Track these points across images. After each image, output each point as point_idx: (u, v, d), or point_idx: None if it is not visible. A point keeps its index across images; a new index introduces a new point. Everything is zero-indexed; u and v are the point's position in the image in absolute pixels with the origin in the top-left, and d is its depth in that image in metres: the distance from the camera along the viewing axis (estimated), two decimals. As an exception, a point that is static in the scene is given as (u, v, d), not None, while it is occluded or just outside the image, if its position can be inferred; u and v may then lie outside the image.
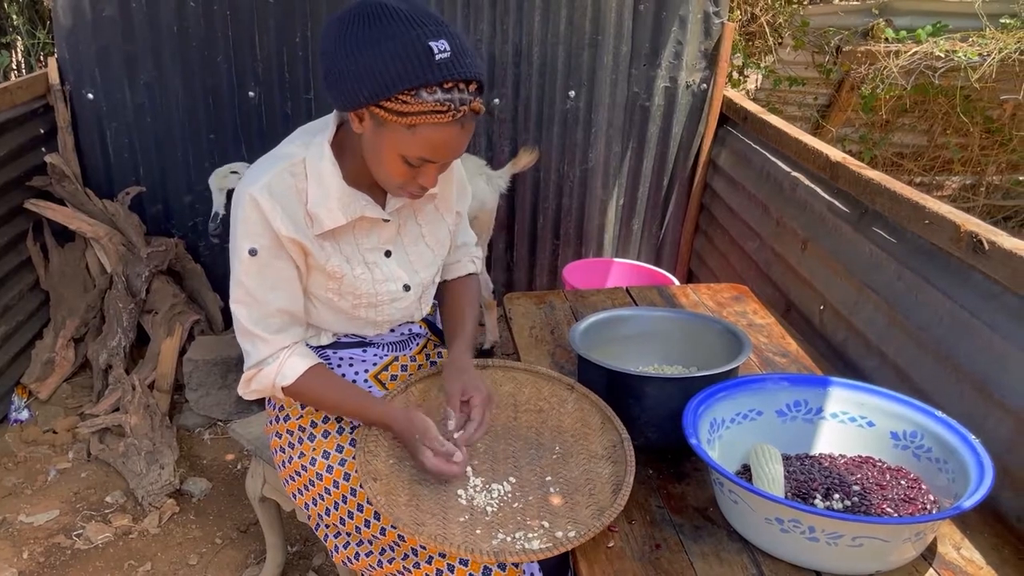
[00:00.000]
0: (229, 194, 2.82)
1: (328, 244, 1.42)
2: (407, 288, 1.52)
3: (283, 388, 1.46)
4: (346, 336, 1.60)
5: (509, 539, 1.28)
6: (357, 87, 1.23)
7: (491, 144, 3.34)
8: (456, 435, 1.41)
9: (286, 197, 1.37)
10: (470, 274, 1.74)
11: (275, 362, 1.45)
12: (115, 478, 2.65)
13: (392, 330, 1.63)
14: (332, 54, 1.25)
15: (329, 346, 1.59)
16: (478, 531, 1.30)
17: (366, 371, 1.61)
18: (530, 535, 1.29)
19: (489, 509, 1.36)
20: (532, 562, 1.31)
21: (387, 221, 1.47)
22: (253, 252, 1.37)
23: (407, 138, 1.25)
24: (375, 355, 1.62)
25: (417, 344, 1.68)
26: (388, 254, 1.50)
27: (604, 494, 1.37)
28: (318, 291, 1.47)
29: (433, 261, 1.57)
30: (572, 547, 1.25)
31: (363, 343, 1.61)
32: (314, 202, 1.38)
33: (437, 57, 1.20)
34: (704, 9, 3.19)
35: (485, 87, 1.29)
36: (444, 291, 1.73)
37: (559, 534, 1.28)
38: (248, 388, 1.49)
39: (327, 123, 1.43)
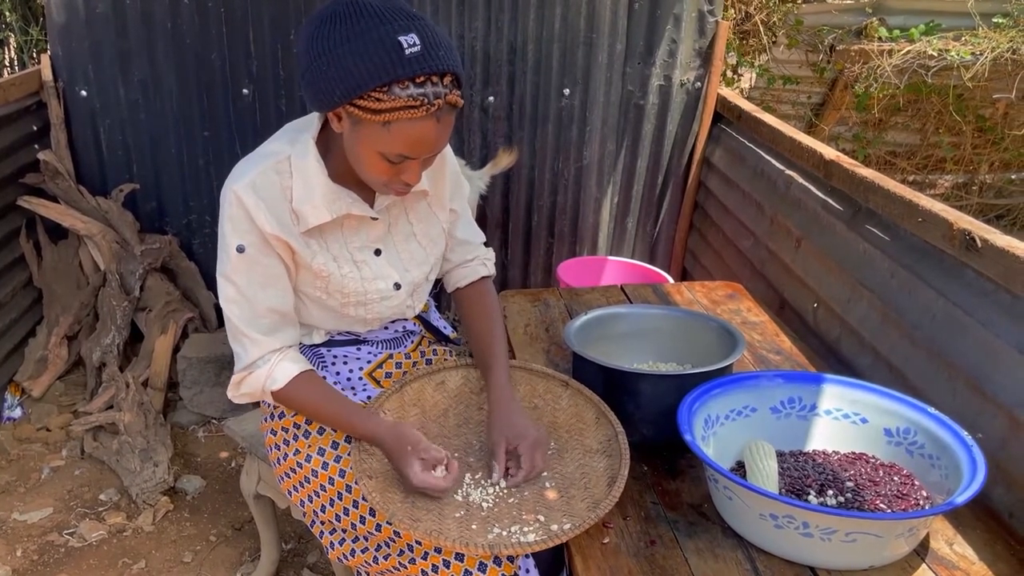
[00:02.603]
0: None
1: (315, 242, 1.42)
2: (397, 286, 1.52)
3: (272, 392, 1.45)
4: (339, 334, 1.59)
5: (505, 533, 1.28)
6: (330, 87, 1.22)
7: (485, 142, 3.34)
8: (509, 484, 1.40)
9: (271, 195, 1.36)
10: (483, 277, 1.70)
11: (265, 365, 1.44)
12: (109, 476, 2.64)
13: (386, 327, 1.62)
14: (305, 54, 1.25)
15: (323, 344, 1.59)
16: (474, 526, 1.31)
17: (360, 369, 1.61)
18: (526, 529, 1.29)
19: (485, 505, 1.36)
20: (528, 557, 1.31)
21: (375, 219, 1.46)
22: (241, 249, 1.37)
23: (383, 135, 1.24)
24: (369, 353, 1.62)
25: (412, 341, 1.68)
26: (378, 252, 1.50)
27: (599, 487, 1.38)
28: (307, 289, 1.47)
29: (425, 259, 1.57)
30: (567, 539, 1.25)
31: (357, 341, 1.61)
32: (299, 199, 1.37)
33: (407, 51, 1.19)
34: (698, 8, 3.19)
35: (463, 79, 1.27)
36: (461, 304, 1.70)
37: (554, 527, 1.29)
38: (237, 391, 1.48)
39: (312, 120, 1.42)
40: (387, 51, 1.18)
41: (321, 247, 1.43)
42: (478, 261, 1.70)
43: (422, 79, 1.20)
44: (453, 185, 1.60)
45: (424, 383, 1.60)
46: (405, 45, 1.19)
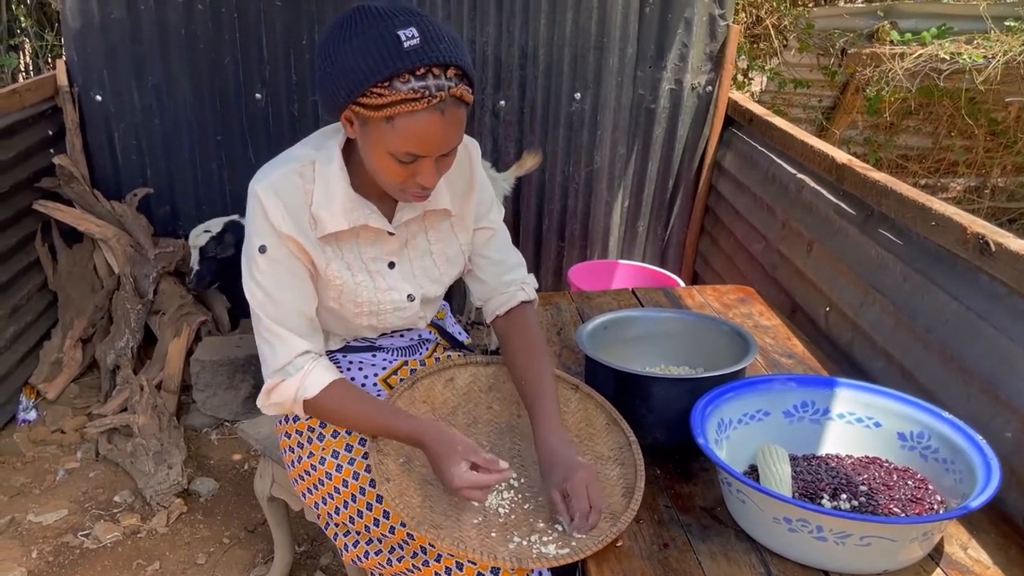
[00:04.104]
0: (202, 251, 2.93)
1: (329, 249, 1.41)
2: (411, 298, 1.51)
3: (305, 401, 1.41)
4: (355, 340, 1.60)
5: (524, 542, 1.28)
6: (335, 88, 1.23)
7: (496, 146, 3.35)
8: (573, 531, 1.29)
9: (291, 197, 1.36)
10: (523, 303, 1.61)
11: (297, 373, 1.40)
12: (123, 478, 2.66)
13: (401, 335, 1.63)
14: (317, 61, 1.26)
15: (339, 350, 1.59)
16: (493, 534, 1.30)
17: (375, 375, 1.61)
18: (545, 539, 1.29)
19: (502, 511, 1.36)
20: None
21: (391, 234, 1.45)
22: (263, 249, 1.36)
23: (389, 133, 1.22)
24: (384, 359, 1.62)
25: (427, 349, 1.68)
26: (391, 265, 1.49)
27: (614, 496, 1.38)
28: (321, 298, 1.47)
29: (439, 278, 1.55)
30: (591, 553, 1.25)
31: (373, 348, 1.61)
32: (318, 204, 1.37)
33: (405, 44, 1.17)
34: (709, 12, 3.20)
35: (472, 74, 1.25)
36: (502, 335, 1.61)
37: (574, 540, 1.29)
38: (268, 400, 1.43)
39: (341, 127, 1.42)
40: (385, 45, 1.18)
41: (336, 254, 1.42)
42: (516, 286, 1.62)
43: (422, 71, 1.18)
44: (483, 205, 1.57)
45: (434, 380, 1.60)
46: (403, 38, 1.18)
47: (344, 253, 1.43)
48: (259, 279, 1.39)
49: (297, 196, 1.36)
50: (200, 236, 2.94)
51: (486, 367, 1.65)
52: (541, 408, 1.44)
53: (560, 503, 1.30)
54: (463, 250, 1.56)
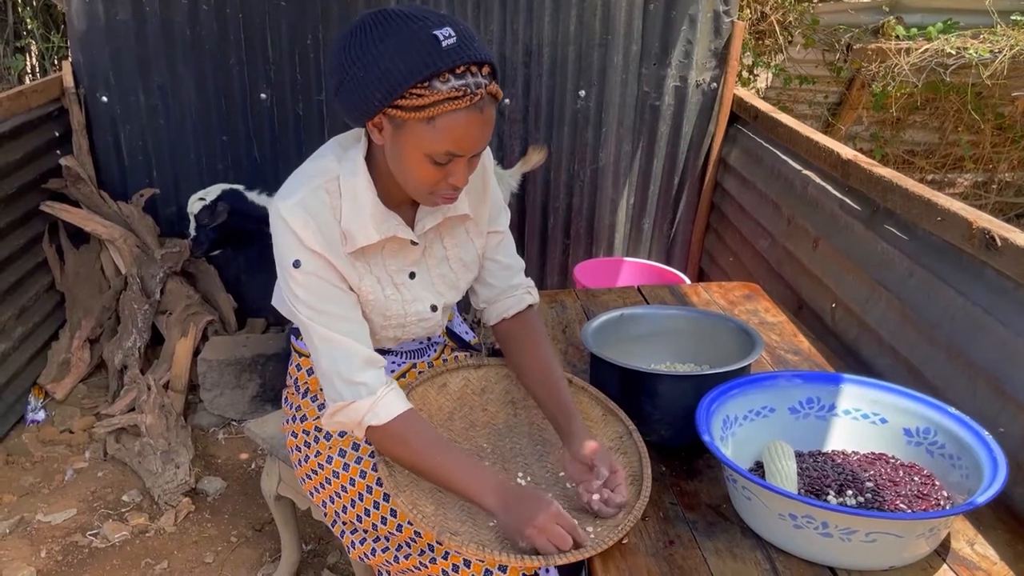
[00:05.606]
0: (196, 218, 2.92)
1: (360, 264, 1.39)
2: (434, 308, 1.50)
3: (371, 427, 1.35)
4: None
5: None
6: (369, 92, 1.21)
7: (502, 144, 3.35)
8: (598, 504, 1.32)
9: (321, 214, 1.33)
10: (530, 306, 1.61)
11: (369, 396, 1.35)
12: (131, 477, 2.67)
13: (412, 338, 1.63)
14: (339, 67, 1.24)
15: None
16: None
17: None
18: None
19: None
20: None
21: (414, 244, 1.44)
22: (297, 264, 1.34)
23: (428, 133, 1.21)
24: (393, 362, 1.62)
25: (435, 351, 1.69)
26: (412, 276, 1.48)
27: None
28: None
29: (456, 284, 1.54)
30: (612, 544, 1.25)
31: (382, 351, 1.61)
32: (347, 219, 1.35)
33: (444, 44, 1.17)
34: (713, 8, 3.19)
35: (498, 72, 1.25)
36: (508, 338, 1.60)
37: (590, 529, 1.29)
38: (333, 419, 1.38)
39: (360, 135, 1.39)
40: (424, 45, 1.17)
41: (366, 269, 1.40)
42: (523, 290, 1.61)
43: (462, 70, 1.18)
44: (495, 209, 1.57)
45: (427, 387, 1.58)
46: (441, 38, 1.17)
47: (372, 267, 1.42)
48: (300, 293, 1.35)
49: (326, 213, 1.34)
50: (195, 204, 2.93)
51: (476, 370, 1.64)
52: (566, 410, 1.45)
53: (582, 473, 1.35)
54: (479, 254, 1.56)
